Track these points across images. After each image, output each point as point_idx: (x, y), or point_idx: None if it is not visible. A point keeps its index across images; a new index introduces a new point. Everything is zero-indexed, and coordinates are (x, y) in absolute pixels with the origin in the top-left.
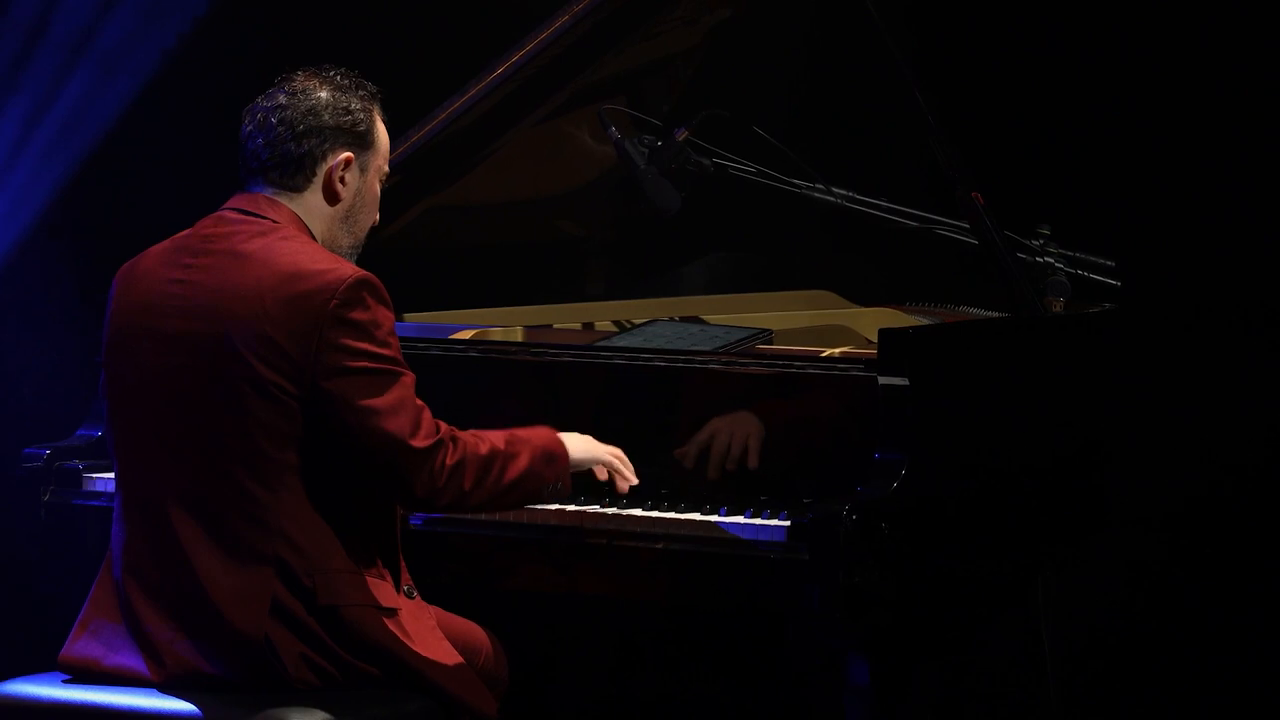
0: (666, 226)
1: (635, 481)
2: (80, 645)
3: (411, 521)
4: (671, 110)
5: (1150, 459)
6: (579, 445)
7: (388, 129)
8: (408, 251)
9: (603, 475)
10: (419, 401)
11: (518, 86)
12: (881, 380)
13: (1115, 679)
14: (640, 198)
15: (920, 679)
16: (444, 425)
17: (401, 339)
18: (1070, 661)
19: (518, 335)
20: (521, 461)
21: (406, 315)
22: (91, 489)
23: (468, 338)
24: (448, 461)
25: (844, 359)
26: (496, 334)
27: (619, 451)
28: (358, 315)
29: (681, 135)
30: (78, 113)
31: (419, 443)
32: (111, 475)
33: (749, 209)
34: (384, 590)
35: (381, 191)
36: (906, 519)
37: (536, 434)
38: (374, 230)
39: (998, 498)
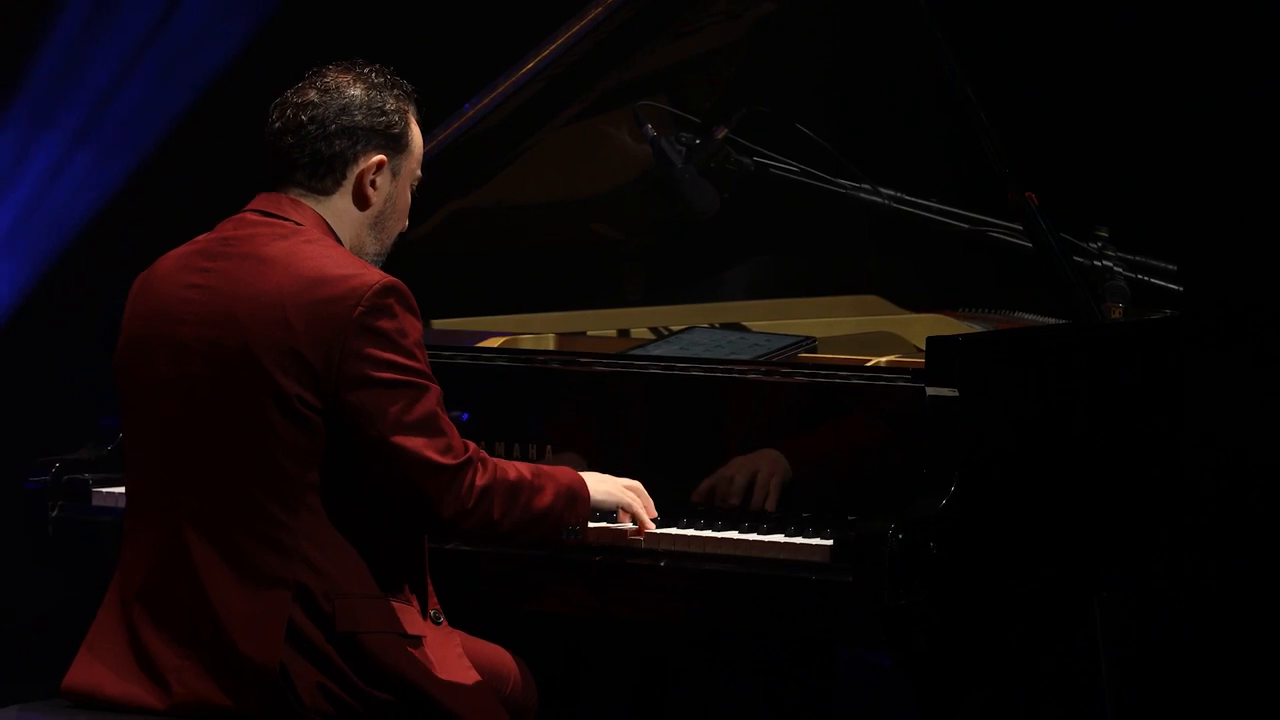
0: (709, 229)
1: (652, 526)
2: (84, 671)
3: None
4: (714, 108)
5: (1217, 474)
6: (599, 487)
7: (421, 129)
8: (435, 255)
9: (624, 519)
10: (447, 417)
11: (548, 83)
12: (929, 391)
13: (1175, 710)
14: (677, 198)
15: (971, 704)
16: (472, 445)
17: (427, 346)
18: (1129, 691)
19: (550, 343)
20: (546, 496)
21: (434, 322)
22: (101, 504)
23: (496, 345)
24: (477, 482)
25: (890, 369)
26: (527, 342)
27: (638, 487)
28: (383, 324)
29: (720, 133)
30: (134, 117)
31: (447, 460)
32: (121, 490)
33: (795, 210)
34: (409, 616)
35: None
36: (956, 538)
37: (560, 471)
38: (400, 234)
39: (1053, 516)
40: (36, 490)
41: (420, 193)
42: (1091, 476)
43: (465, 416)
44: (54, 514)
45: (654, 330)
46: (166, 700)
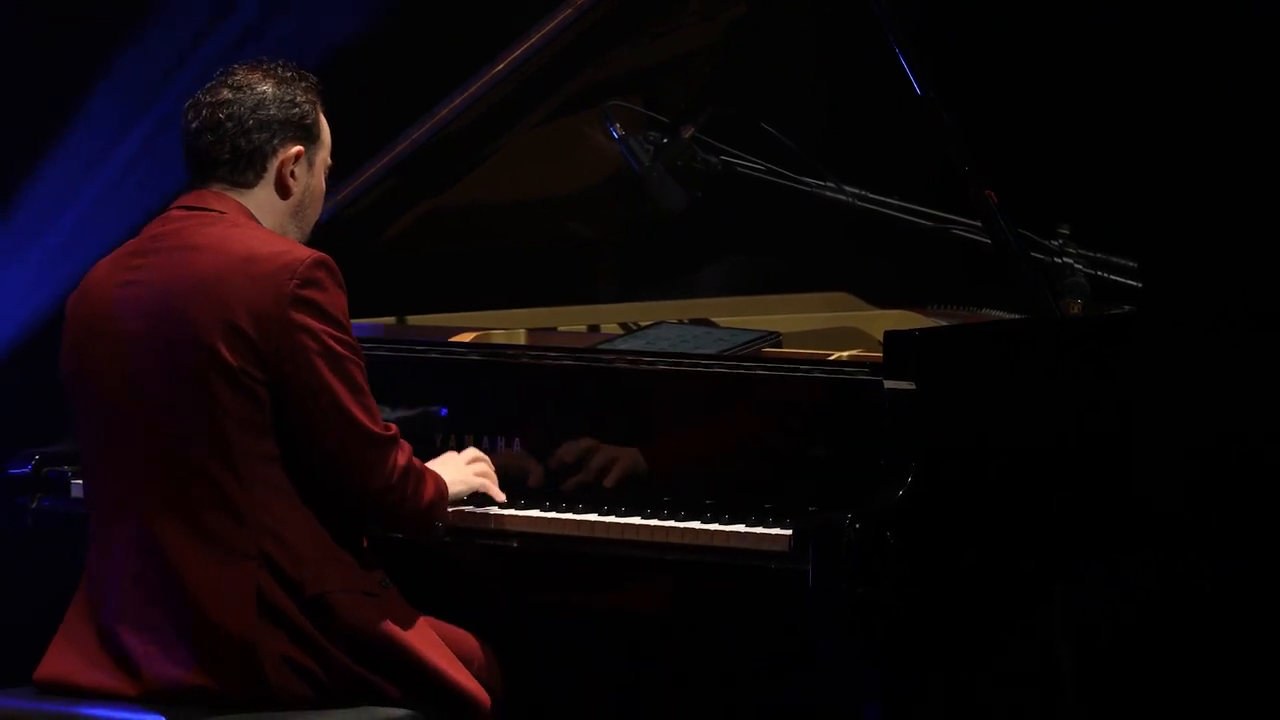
0: (682, 227)
1: (503, 497)
2: (56, 662)
3: None
4: (689, 108)
5: (1174, 469)
6: (453, 476)
7: (330, 122)
8: (409, 253)
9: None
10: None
11: (521, 83)
12: (887, 384)
13: (1135, 695)
14: (644, 197)
15: (933, 691)
16: (394, 425)
17: (400, 342)
18: (1088, 676)
19: (521, 339)
20: (429, 487)
21: (409, 318)
22: (80, 495)
23: (468, 340)
24: (399, 461)
25: (851, 362)
26: (498, 337)
27: (484, 464)
28: (317, 296)
29: (687, 132)
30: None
31: (380, 432)
32: None
33: (767, 209)
34: (366, 578)
35: (382, 193)
36: (914, 528)
37: (427, 467)
38: (375, 233)
39: (1011, 507)
40: (16, 482)
41: (395, 192)
42: (1048, 470)
43: (444, 411)
44: (33, 505)
45: (624, 326)
46: (138, 687)
